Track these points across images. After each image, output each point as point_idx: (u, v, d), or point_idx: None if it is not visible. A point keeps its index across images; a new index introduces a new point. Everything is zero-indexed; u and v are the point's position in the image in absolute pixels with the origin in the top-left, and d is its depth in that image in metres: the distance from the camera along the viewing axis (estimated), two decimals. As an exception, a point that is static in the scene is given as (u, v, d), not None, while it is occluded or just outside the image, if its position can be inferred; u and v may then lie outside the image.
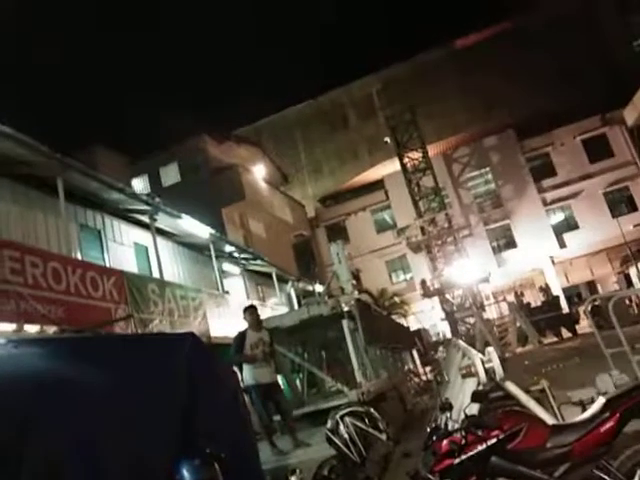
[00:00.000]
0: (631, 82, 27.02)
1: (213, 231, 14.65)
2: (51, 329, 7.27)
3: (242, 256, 17.27)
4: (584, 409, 4.04)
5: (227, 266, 17.68)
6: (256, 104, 49.44)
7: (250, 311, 7.12)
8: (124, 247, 12.98)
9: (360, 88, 47.94)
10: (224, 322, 12.27)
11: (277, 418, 7.28)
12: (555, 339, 23.18)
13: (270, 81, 66.12)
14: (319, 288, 22.04)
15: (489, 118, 39.93)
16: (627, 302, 22.08)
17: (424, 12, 68.46)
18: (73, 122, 60.98)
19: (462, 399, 4.81)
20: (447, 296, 27.45)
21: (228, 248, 16.45)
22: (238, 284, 17.45)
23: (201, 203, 21.65)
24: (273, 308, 17.10)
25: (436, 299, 28.55)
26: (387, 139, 33.37)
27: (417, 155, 31.10)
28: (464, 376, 4.92)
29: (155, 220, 12.28)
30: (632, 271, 27.54)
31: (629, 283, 27.89)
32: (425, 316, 31.18)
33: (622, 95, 28.25)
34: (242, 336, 6.86)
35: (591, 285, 31.98)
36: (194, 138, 28.09)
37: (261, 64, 75.07)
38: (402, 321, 28.88)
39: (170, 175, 27.61)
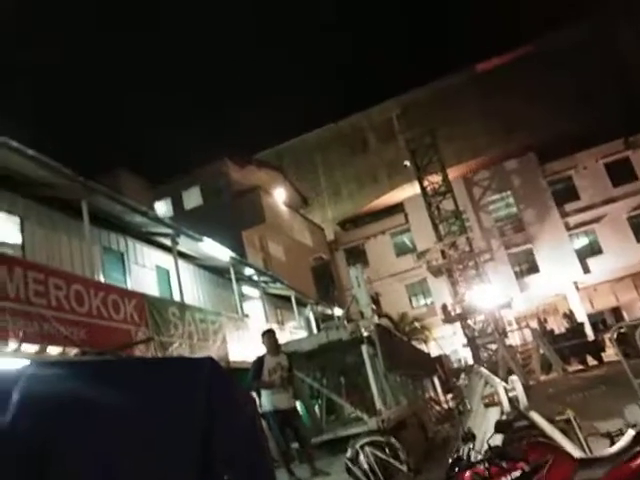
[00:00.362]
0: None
1: (233, 254, 14.75)
2: (73, 351, 7.34)
3: (262, 279, 17.31)
4: (612, 442, 3.91)
5: (247, 289, 17.74)
6: (277, 128, 50.05)
7: (268, 335, 7.10)
8: (146, 270, 13.12)
9: (380, 112, 48.33)
10: (243, 346, 12.25)
11: (295, 445, 7.18)
12: (580, 367, 22.57)
13: (291, 106, 67.02)
14: (338, 312, 21.92)
15: (510, 141, 39.80)
16: (655, 329, 21.44)
17: (444, 37, 69.15)
18: (98, 146, 62.50)
19: (485, 429, 4.70)
20: (469, 321, 27.01)
21: (248, 271, 16.53)
22: (257, 307, 17.46)
23: (222, 226, 21.86)
24: (292, 332, 17.04)
25: (457, 324, 28.12)
26: (407, 163, 33.43)
27: (437, 178, 31.03)
28: (487, 405, 4.80)
29: (177, 243, 12.42)
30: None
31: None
32: (446, 342, 30.70)
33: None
34: (260, 361, 6.83)
35: (616, 312, 31.20)
36: (216, 162, 28.53)
37: (283, 89, 76.26)
38: (423, 347, 28.49)
39: (192, 198, 27.99)
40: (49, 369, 3.06)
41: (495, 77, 45.07)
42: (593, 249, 32.19)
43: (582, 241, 32.68)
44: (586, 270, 31.52)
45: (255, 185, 28.76)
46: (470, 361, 26.05)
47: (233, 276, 14.80)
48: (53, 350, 7.13)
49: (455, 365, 27.88)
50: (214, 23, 79.48)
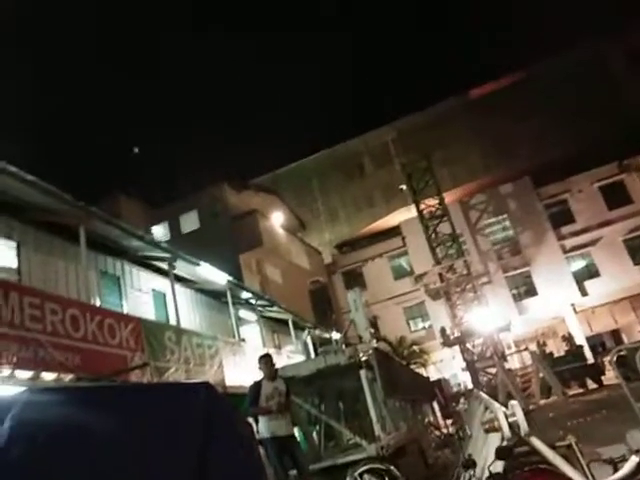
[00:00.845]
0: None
1: (230, 278, 14.70)
2: (67, 377, 7.25)
3: (259, 303, 17.23)
4: (615, 468, 3.84)
5: (243, 313, 17.64)
6: (274, 154, 50.54)
7: (265, 360, 7.01)
8: (142, 294, 13.06)
9: (376, 137, 48.85)
10: (240, 371, 12.12)
11: (293, 473, 7.05)
12: (580, 390, 22.39)
13: (288, 131, 67.69)
14: (336, 336, 21.79)
15: (505, 165, 40.18)
16: (655, 352, 21.34)
17: (439, 63, 70.34)
18: (96, 170, 62.78)
19: (485, 455, 4.62)
20: (467, 345, 26.84)
21: (245, 295, 16.46)
22: (254, 331, 17.34)
23: (219, 250, 21.86)
24: (289, 356, 16.89)
25: (456, 348, 27.92)
26: (403, 186, 33.64)
27: (433, 202, 31.19)
28: (487, 431, 4.73)
29: (174, 267, 12.38)
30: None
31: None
32: (445, 366, 30.46)
33: (638, 142, 28.30)
34: (257, 386, 6.73)
35: (615, 334, 31.08)
36: (213, 187, 28.67)
37: (279, 115, 77.14)
38: (421, 371, 28.24)
39: (189, 222, 28.03)
40: (43, 396, 3.02)
41: (489, 102, 45.76)
42: (590, 272, 32.22)
43: (579, 264, 32.73)
44: (584, 293, 31.50)
45: (252, 209, 28.85)
46: (469, 385, 25.80)
47: (230, 300, 14.72)
48: (47, 376, 7.04)
49: (454, 389, 27.59)
50: (213, 49, 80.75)
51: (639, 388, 5.95)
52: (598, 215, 32.36)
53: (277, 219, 31.87)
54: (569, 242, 32.76)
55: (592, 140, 36.16)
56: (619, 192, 32.25)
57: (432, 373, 28.60)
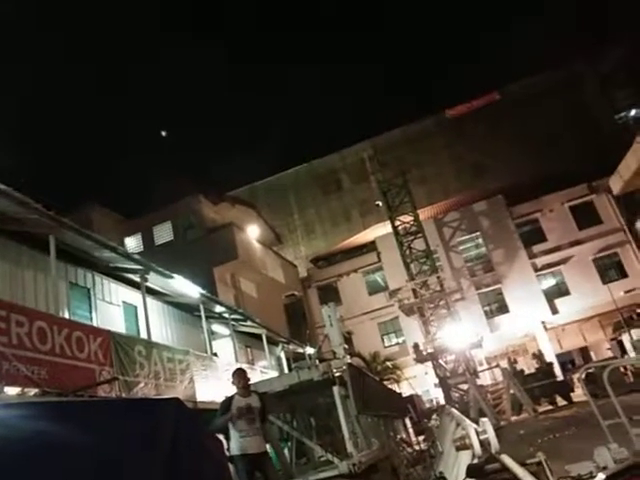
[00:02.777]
0: (615, 152, 27.97)
1: (204, 291, 14.52)
2: (32, 391, 7.02)
3: (232, 317, 17.05)
4: (583, 485, 3.89)
5: (216, 327, 17.43)
6: (252, 167, 50.47)
7: (238, 374, 6.90)
8: (113, 306, 12.80)
9: (353, 153, 49.31)
10: (211, 386, 11.94)
11: (264, 490, 6.93)
12: (550, 407, 22.67)
13: (266, 145, 67.78)
14: (310, 351, 21.68)
15: (479, 184, 40.98)
16: (622, 370, 21.79)
17: (416, 83, 71.52)
18: (70, 181, 61.72)
19: (456, 472, 4.63)
20: (440, 361, 27.00)
21: (218, 308, 16.27)
22: (227, 346, 17.13)
23: (193, 262, 21.63)
24: (262, 371, 16.72)
25: (429, 364, 28.06)
26: (379, 203, 33.93)
27: (408, 219, 31.53)
28: (458, 448, 4.76)
29: (146, 280, 12.18)
30: (625, 337, 27.36)
31: (622, 350, 27.62)
32: (418, 382, 30.54)
33: (607, 164, 29.15)
34: (228, 401, 6.61)
35: (584, 352, 31.67)
36: (189, 198, 28.45)
37: (257, 129, 77.24)
38: (395, 387, 28.26)
39: (163, 234, 27.70)
40: (6, 411, 2.91)
41: (464, 122, 46.75)
42: (560, 290, 32.85)
43: (549, 282, 33.35)
44: (554, 311, 32.07)
45: (228, 222, 28.70)
46: (442, 401, 25.89)
47: (203, 314, 14.54)
48: (11, 390, 6.81)
49: (427, 405, 27.69)
50: (191, 59, 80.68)
51: (607, 405, 6.05)
52: (568, 234, 33.09)
53: (253, 232, 31.74)
54: (540, 260, 33.38)
55: (563, 161, 37.18)
56: (589, 212, 33.09)
57: (405, 389, 28.64)
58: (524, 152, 41.80)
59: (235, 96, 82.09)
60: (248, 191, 49.09)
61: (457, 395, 25.21)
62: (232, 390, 6.90)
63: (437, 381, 27.01)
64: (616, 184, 29.24)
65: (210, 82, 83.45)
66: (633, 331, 25.92)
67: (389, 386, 25.23)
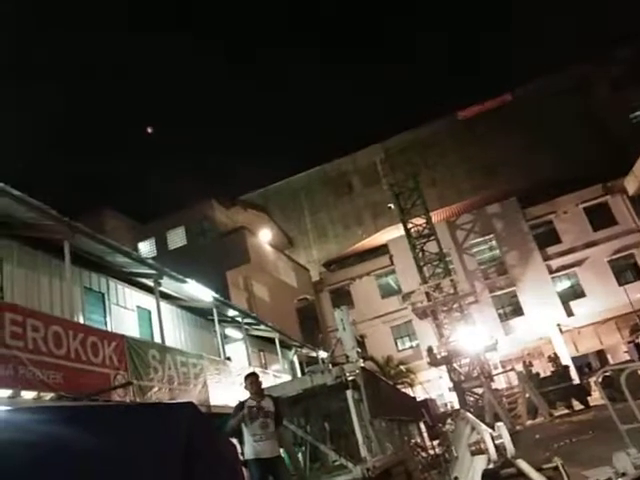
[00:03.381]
0: (630, 152, 27.64)
1: (217, 295, 14.58)
2: (48, 395, 7.09)
3: (245, 321, 17.09)
4: (602, 491, 3.82)
5: (229, 331, 17.47)
6: (263, 171, 50.62)
7: (251, 379, 6.89)
8: (127, 311, 12.89)
9: (365, 156, 49.26)
10: (225, 390, 11.96)
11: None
12: (566, 411, 22.37)
13: (278, 149, 68.04)
14: (323, 354, 21.64)
15: (492, 186, 40.69)
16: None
17: (428, 85, 71.33)
18: (86, 186, 62.42)
19: (472, 477, 4.58)
20: (454, 365, 26.79)
21: (231, 312, 16.32)
22: (240, 350, 17.16)
23: (206, 266, 21.73)
24: (275, 376, 16.73)
25: (443, 368, 27.85)
26: (391, 205, 33.82)
27: (421, 221, 31.38)
28: (473, 453, 4.70)
29: (160, 284, 12.26)
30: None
31: (640, 353, 27.22)
32: (432, 385, 30.34)
33: (622, 164, 28.81)
34: (241, 406, 6.62)
35: (601, 355, 31.23)
36: (202, 203, 28.62)
37: (269, 132, 77.57)
38: (408, 391, 28.09)
39: (176, 238, 27.89)
40: (23, 415, 2.94)
41: (476, 124, 46.49)
42: (576, 292, 32.47)
43: (564, 284, 32.99)
44: (569, 313, 31.69)
45: (240, 226, 28.82)
46: (456, 405, 25.68)
47: (216, 318, 14.59)
48: (27, 395, 6.88)
49: (441, 410, 27.45)
50: (208, 67, 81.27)
51: (625, 409, 5.95)
52: (583, 236, 32.73)
53: (265, 236, 31.83)
54: (555, 262, 33.04)
55: (577, 162, 36.81)
56: (604, 213, 32.69)
57: (419, 393, 28.47)
58: (537, 153, 41.46)
59: (245, 100, 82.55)
60: (260, 195, 49.24)
61: (472, 399, 25.00)
62: (245, 394, 6.89)
63: (451, 385, 26.81)
64: (631, 184, 28.91)
65: (222, 86, 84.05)
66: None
67: (403, 390, 25.08)
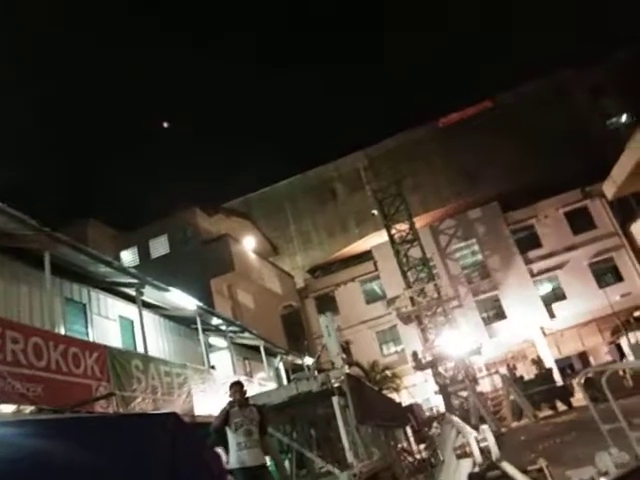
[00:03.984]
0: (608, 157, 28.13)
1: (200, 303, 14.47)
2: (28, 409, 6.96)
3: (230, 329, 16.98)
4: (585, 491, 3.87)
5: (214, 339, 17.34)
6: (247, 178, 50.50)
7: (235, 388, 6.84)
8: (109, 321, 12.73)
9: (348, 163, 49.48)
10: (209, 399, 11.85)
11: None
12: (550, 412, 22.61)
13: (261, 156, 67.92)
14: (309, 361, 21.59)
15: (473, 191, 41.10)
16: (621, 373, 21.79)
17: (409, 92, 72.00)
18: (66, 195, 61.65)
19: (458, 481, 4.60)
20: (439, 369, 26.91)
21: (215, 321, 16.20)
22: (224, 358, 17.03)
23: (190, 274, 21.59)
24: (261, 384, 16.63)
25: (429, 372, 27.95)
26: (374, 212, 33.98)
27: (404, 227, 31.57)
28: (459, 456, 4.73)
29: (142, 294, 12.13)
30: (623, 341, 27.40)
31: (621, 353, 27.65)
32: (418, 390, 30.43)
33: (601, 169, 29.31)
34: (225, 413, 6.54)
35: (583, 356, 31.64)
36: (184, 211, 28.45)
37: (252, 139, 77.45)
38: (394, 395, 28.14)
39: (159, 247, 27.66)
40: (2, 429, 2.88)
41: (457, 130, 46.99)
42: (557, 295, 32.90)
43: (546, 287, 33.40)
44: (552, 316, 32.08)
45: (224, 233, 28.68)
46: (442, 409, 25.78)
47: (200, 326, 14.47)
48: (6, 408, 6.74)
49: (427, 414, 27.52)
50: (188, 73, 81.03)
51: (606, 409, 6.03)
52: (564, 240, 33.22)
53: (249, 243, 31.71)
54: (536, 266, 33.45)
55: (558, 166, 37.39)
56: (583, 217, 33.27)
57: (405, 397, 28.52)
58: (518, 159, 42.02)
59: (228, 107, 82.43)
60: (243, 203, 49.14)
61: (457, 402, 25.11)
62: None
63: (437, 389, 26.92)
64: (609, 189, 29.37)
65: (205, 93, 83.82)
66: (631, 334, 25.96)
67: (389, 395, 25.11)
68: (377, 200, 33.06)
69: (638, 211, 30.34)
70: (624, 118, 43.65)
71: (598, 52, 42.66)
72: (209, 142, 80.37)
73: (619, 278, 32.06)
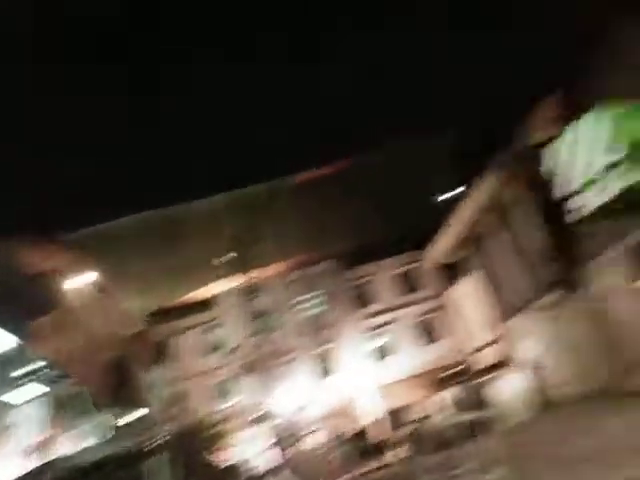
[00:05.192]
0: (438, 225, 31.63)
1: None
2: None
3: (46, 376, 15.18)
4: None
5: (26, 389, 15.35)
6: (86, 210, 47.06)
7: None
8: None
9: (203, 206, 48.68)
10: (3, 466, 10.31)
11: None
12: (375, 466, 23.48)
13: (101, 190, 63.72)
14: (137, 414, 20.11)
15: (318, 247, 42.90)
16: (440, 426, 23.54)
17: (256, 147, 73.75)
18: None
19: None
20: (272, 423, 26.76)
21: (31, 367, 14.39)
22: (36, 412, 15.10)
23: (4, 315, 19.13)
24: (79, 439, 14.99)
25: (262, 426, 27.63)
26: (221, 259, 33.73)
27: (250, 276, 31.67)
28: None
29: None
30: (443, 396, 29.80)
31: (443, 408, 29.97)
32: (249, 444, 29.78)
33: (426, 237, 32.83)
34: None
35: (408, 410, 33.75)
36: (6, 242, 25.35)
37: (96, 173, 72.68)
38: (225, 452, 27.21)
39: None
40: None
41: (314, 186, 49.08)
42: (388, 350, 35.30)
43: (378, 343, 35.69)
44: (382, 370, 34.15)
45: (52, 268, 26.08)
46: (273, 464, 25.48)
47: None
48: None
49: (260, 468, 26.98)
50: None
51: (426, 461, 6.42)
52: (396, 298, 36.14)
53: (82, 281, 29.16)
54: (369, 322, 35.76)
55: (402, 227, 40.80)
56: (413, 279, 36.70)
57: (236, 454, 27.66)
58: (368, 217, 44.91)
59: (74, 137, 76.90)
60: (83, 236, 45.29)
61: (286, 457, 25.07)
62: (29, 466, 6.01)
63: (270, 444, 26.66)
64: (428, 258, 33.11)
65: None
66: (449, 391, 28.48)
67: (220, 452, 24.25)
68: (228, 247, 32.89)
69: (460, 277, 33.92)
70: (447, 195, 48.90)
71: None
72: (45, 168, 73.72)
73: (438, 337, 35.54)
